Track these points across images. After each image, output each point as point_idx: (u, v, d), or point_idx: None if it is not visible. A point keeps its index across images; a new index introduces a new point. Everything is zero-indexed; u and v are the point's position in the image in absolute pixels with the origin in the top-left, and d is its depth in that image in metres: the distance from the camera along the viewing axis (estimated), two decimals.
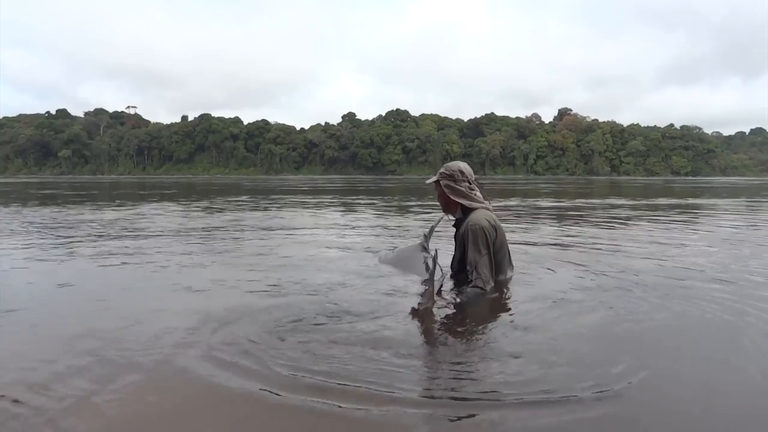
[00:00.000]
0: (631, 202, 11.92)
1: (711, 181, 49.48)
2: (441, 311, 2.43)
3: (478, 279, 2.64)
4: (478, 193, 2.92)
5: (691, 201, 12.89)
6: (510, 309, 2.47)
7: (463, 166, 2.96)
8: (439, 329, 2.26)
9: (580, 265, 3.58)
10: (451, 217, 3.02)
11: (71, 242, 4.82)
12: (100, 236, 5.25)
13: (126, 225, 6.33)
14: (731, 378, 1.76)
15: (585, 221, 7.11)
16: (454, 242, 3.02)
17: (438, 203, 3.05)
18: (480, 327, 2.24)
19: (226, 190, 20.24)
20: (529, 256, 3.89)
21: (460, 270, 2.83)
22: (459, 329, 2.23)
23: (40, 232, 5.63)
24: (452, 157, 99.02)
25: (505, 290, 2.77)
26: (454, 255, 3.00)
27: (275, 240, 5.02)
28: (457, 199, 2.88)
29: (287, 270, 3.41)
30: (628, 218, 7.63)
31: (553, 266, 3.53)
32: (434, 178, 2.99)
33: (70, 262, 3.80)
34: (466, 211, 2.88)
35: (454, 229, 3.01)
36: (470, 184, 2.90)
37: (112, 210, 8.94)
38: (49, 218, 7.22)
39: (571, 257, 3.93)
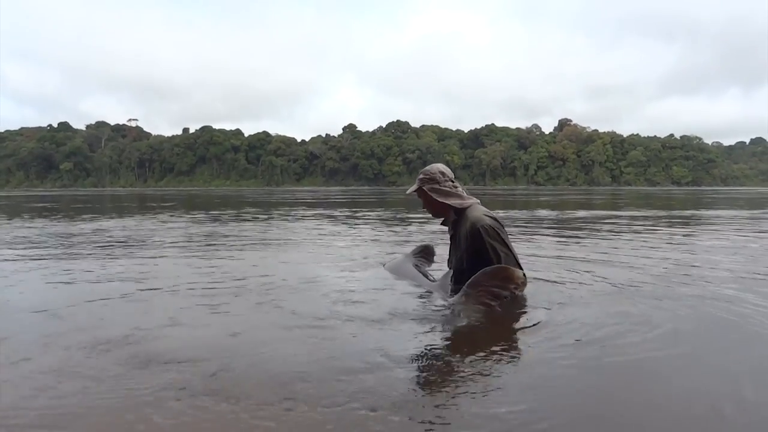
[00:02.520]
0: (645, 213, 11.82)
1: (715, 190, 49.33)
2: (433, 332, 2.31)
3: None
4: (462, 191, 2.84)
5: (714, 212, 12.79)
6: (514, 334, 2.25)
7: (442, 166, 2.89)
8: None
9: (599, 279, 3.47)
10: (436, 218, 2.99)
11: None
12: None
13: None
14: None
15: (602, 232, 7.02)
16: (451, 243, 2.92)
17: (426, 210, 2.92)
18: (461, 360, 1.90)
19: (228, 202, 20.18)
20: (539, 268, 3.79)
21: (467, 269, 2.66)
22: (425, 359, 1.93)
23: None
24: (452, 168, 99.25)
25: (509, 309, 2.57)
26: (451, 257, 2.91)
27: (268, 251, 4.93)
28: (447, 201, 2.77)
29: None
30: (647, 229, 7.53)
31: (571, 280, 3.37)
32: (415, 187, 2.86)
33: None
34: (459, 210, 2.78)
35: (447, 231, 2.95)
36: (453, 182, 2.83)
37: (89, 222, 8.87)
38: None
39: (588, 272, 3.81)
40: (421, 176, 2.85)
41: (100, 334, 2.20)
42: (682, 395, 1.61)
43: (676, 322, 2.40)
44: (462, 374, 1.76)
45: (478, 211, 2.72)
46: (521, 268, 2.70)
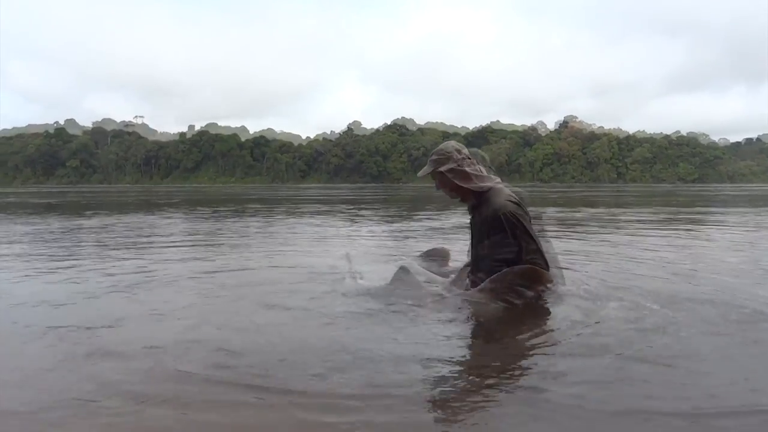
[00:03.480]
0: (659, 211, 11.75)
1: (723, 187, 48.93)
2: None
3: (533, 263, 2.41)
4: (481, 168, 2.56)
5: (732, 209, 12.69)
6: (530, 337, 2.05)
7: (455, 144, 2.59)
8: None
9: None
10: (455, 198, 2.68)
11: None
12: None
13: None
14: None
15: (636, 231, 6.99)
16: (470, 229, 2.68)
17: (443, 192, 2.64)
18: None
19: (234, 199, 20.21)
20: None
21: (488, 256, 2.47)
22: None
23: None
24: None
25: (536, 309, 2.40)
26: (473, 243, 2.64)
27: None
28: (467, 186, 2.51)
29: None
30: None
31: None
32: (429, 169, 2.56)
33: None
34: (479, 194, 2.54)
35: (467, 215, 2.70)
36: (470, 158, 2.57)
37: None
38: None
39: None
40: (435, 157, 2.55)
41: (54, 324, 2.20)
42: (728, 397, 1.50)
43: (704, 321, 2.28)
44: (463, 383, 1.61)
45: (500, 195, 2.48)
46: (546, 262, 2.51)
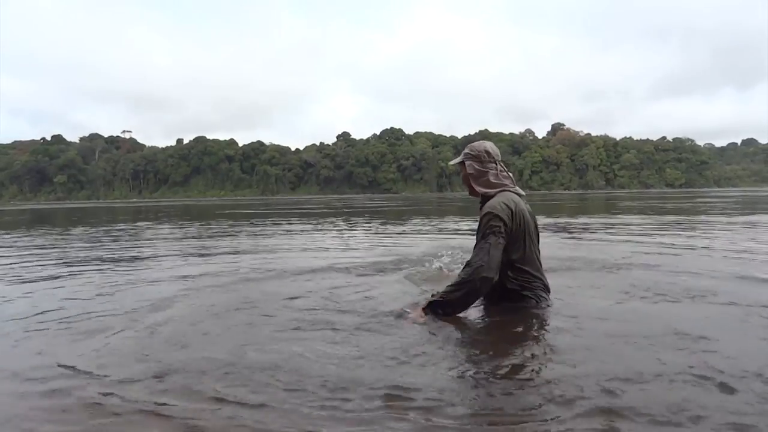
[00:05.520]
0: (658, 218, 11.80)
1: (710, 192, 49.40)
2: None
3: (470, 262, 2.36)
4: (505, 175, 2.64)
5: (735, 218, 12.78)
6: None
7: (489, 145, 2.69)
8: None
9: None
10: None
11: None
12: None
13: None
14: None
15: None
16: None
17: (464, 184, 2.77)
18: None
19: (228, 213, 20.03)
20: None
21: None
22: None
23: None
24: (446, 174, 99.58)
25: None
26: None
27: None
28: (477, 188, 2.63)
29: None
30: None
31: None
32: (459, 159, 2.73)
33: None
34: (484, 198, 2.64)
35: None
36: (496, 164, 2.65)
37: None
38: None
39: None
40: (467, 151, 2.73)
41: None
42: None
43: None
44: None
45: (499, 197, 2.53)
46: (523, 264, 2.51)
